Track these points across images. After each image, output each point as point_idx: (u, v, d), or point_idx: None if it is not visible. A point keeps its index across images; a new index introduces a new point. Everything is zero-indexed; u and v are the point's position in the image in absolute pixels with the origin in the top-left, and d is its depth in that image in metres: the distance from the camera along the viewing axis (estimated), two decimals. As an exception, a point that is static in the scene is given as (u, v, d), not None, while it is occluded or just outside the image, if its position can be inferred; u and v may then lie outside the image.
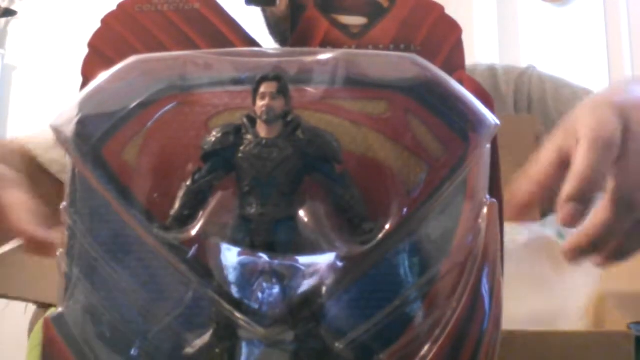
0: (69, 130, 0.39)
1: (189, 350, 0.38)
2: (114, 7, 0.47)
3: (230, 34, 0.46)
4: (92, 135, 0.40)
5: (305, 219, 0.37)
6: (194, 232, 0.37)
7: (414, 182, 0.39)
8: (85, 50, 0.46)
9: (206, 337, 0.38)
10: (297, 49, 0.43)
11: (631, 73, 2.23)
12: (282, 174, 0.37)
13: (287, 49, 0.43)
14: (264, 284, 0.37)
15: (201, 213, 0.38)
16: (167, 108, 0.41)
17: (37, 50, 2.99)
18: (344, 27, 0.46)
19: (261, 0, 0.50)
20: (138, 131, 0.41)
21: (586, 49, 2.31)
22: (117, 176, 0.40)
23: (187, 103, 0.41)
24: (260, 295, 0.37)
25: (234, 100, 0.41)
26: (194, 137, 0.40)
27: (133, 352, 0.38)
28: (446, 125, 0.39)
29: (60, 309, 0.38)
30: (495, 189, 0.39)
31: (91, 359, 0.37)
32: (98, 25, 0.47)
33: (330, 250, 0.37)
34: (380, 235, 0.37)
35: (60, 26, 2.94)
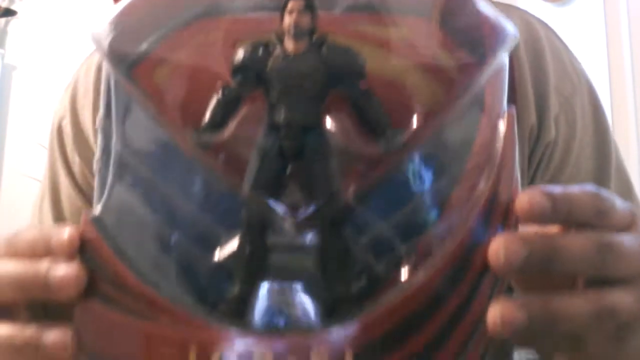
0: (105, 44, 0.41)
1: (218, 254, 0.39)
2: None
3: None
4: (124, 57, 0.42)
5: (332, 129, 0.39)
6: (225, 136, 0.39)
7: (431, 98, 0.40)
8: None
9: (234, 242, 0.39)
10: None
11: (631, 73, 2.25)
12: (309, 86, 0.39)
13: None
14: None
15: (231, 122, 0.39)
16: (197, 32, 0.42)
17: (37, 50, 2.99)
18: None
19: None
20: (169, 54, 0.42)
21: (586, 49, 2.33)
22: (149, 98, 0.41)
23: (217, 29, 0.42)
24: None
25: (264, 25, 0.42)
26: (224, 62, 0.41)
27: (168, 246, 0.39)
28: (463, 39, 0.41)
29: (97, 209, 0.40)
30: (511, 99, 0.41)
31: (129, 256, 0.39)
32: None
33: (356, 156, 0.39)
34: (403, 141, 0.39)
35: (60, 26, 2.94)
